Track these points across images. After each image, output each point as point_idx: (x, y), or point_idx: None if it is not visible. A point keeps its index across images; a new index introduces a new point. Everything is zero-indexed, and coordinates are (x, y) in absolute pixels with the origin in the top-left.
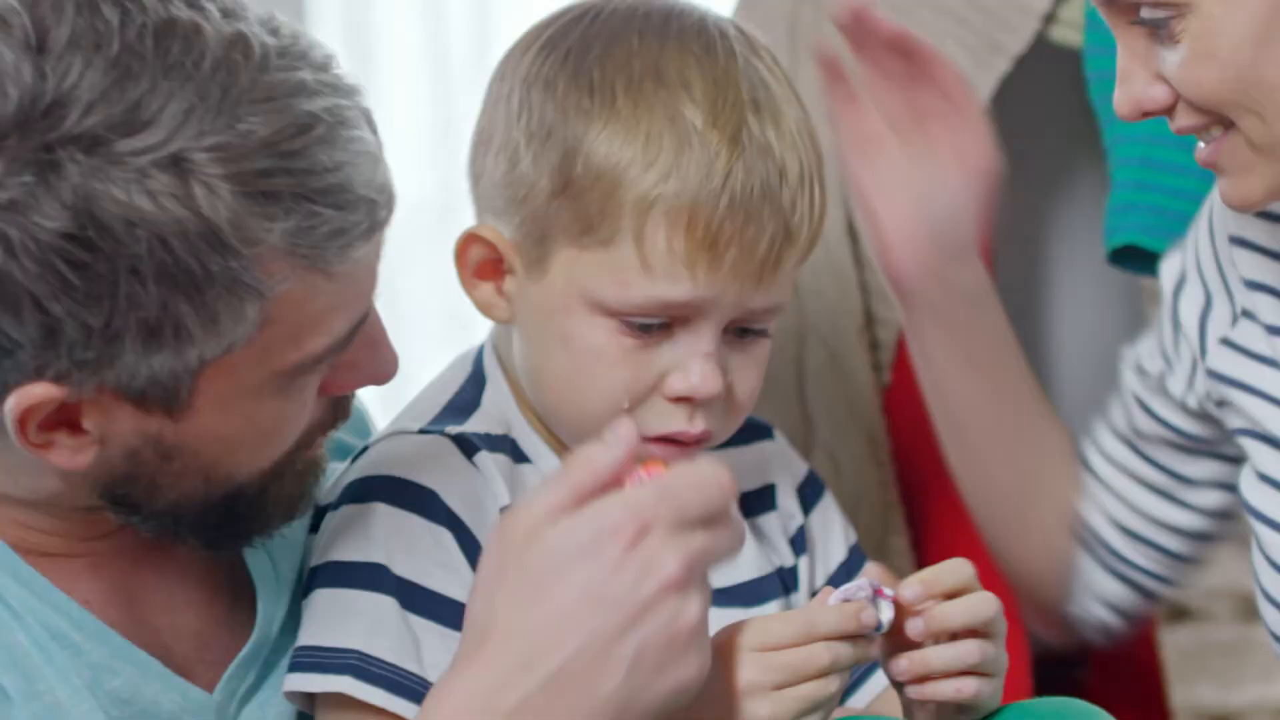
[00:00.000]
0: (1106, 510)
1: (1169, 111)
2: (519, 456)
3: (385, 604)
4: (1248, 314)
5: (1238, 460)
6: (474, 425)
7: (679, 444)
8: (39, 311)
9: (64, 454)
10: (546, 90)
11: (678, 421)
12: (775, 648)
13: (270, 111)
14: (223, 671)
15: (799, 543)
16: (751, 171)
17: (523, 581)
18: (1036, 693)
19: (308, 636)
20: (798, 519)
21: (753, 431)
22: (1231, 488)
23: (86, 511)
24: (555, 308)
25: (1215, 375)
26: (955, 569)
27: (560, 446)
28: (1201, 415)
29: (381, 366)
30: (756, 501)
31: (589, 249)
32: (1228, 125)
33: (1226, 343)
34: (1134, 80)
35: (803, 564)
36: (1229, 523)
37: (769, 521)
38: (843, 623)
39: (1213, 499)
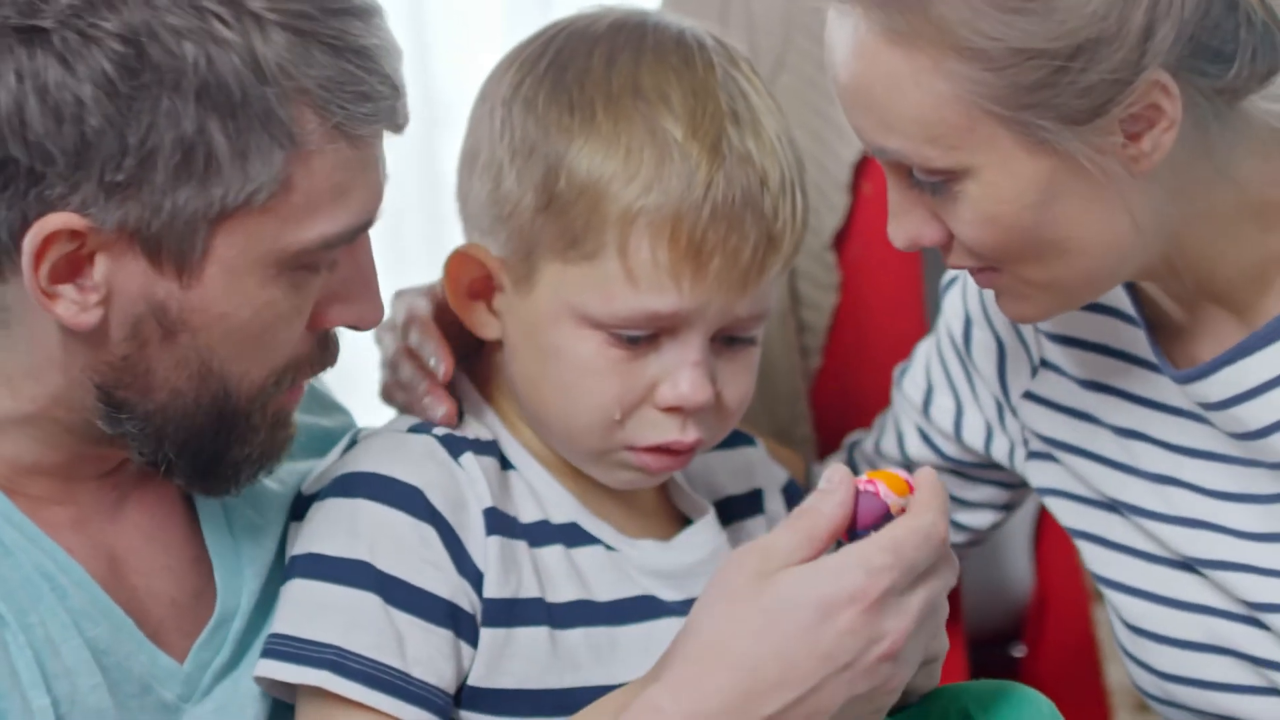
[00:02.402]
0: None
1: (944, 248)
2: (506, 463)
3: (367, 600)
4: (1049, 365)
5: (1017, 486)
6: (462, 431)
7: (672, 453)
8: (79, 121)
9: (69, 309)
10: (527, 108)
11: (670, 431)
12: None
13: None
14: (194, 642)
15: None
16: (732, 181)
17: (761, 621)
18: (972, 674)
19: (285, 625)
20: None
21: (736, 437)
22: (1007, 507)
23: (79, 438)
24: (543, 322)
25: (1037, 434)
26: None
27: (546, 454)
28: (989, 463)
29: (369, 308)
30: (745, 505)
31: (574, 263)
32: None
33: (1031, 396)
34: (908, 217)
35: None
36: (997, 530)
37: (757, 526)
38: None
39: (987, 519)
